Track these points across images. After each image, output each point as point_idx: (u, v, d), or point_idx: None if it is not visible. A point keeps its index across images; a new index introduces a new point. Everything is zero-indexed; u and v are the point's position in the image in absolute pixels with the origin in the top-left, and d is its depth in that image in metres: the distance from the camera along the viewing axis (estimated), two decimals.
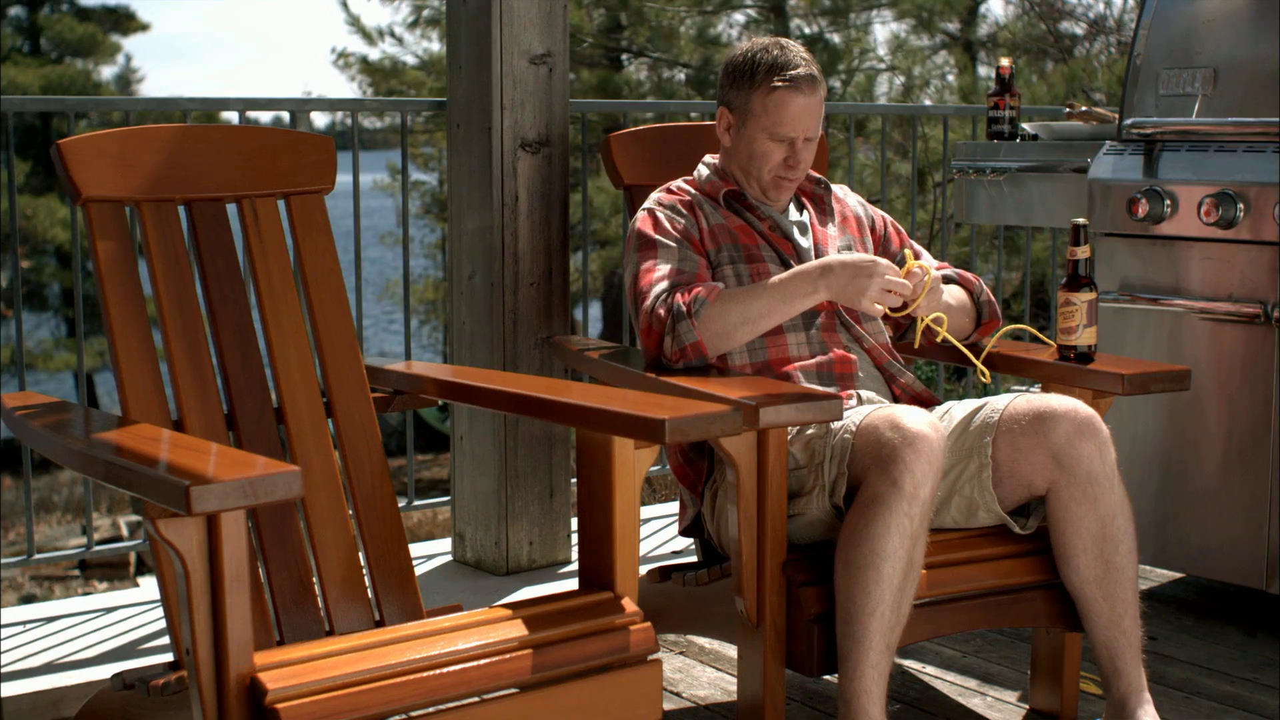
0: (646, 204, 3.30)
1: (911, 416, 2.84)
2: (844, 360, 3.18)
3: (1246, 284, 3.76)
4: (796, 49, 3.23)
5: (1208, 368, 3.84)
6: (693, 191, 3.31)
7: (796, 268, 3.11)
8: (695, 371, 3.08)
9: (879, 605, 2.78)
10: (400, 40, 16.11)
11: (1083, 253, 3.14)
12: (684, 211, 3.25)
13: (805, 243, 3.30)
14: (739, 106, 3.25)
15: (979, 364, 3.25)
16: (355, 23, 15.94)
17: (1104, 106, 4.62)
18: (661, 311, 3.08)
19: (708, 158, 3.39)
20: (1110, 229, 4.00)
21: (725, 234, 3.24)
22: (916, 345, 3.32)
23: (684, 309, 3.06)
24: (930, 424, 2.83)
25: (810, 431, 3.00)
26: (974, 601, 3.01)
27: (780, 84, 3.18)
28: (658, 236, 3.21)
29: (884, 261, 3.04)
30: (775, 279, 3.11)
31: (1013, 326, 3.41)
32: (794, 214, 3.35)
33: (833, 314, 3.23)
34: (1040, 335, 3.37)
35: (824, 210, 3.39)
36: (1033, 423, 2.97)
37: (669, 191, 3.32)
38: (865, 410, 2.95)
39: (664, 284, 3.13)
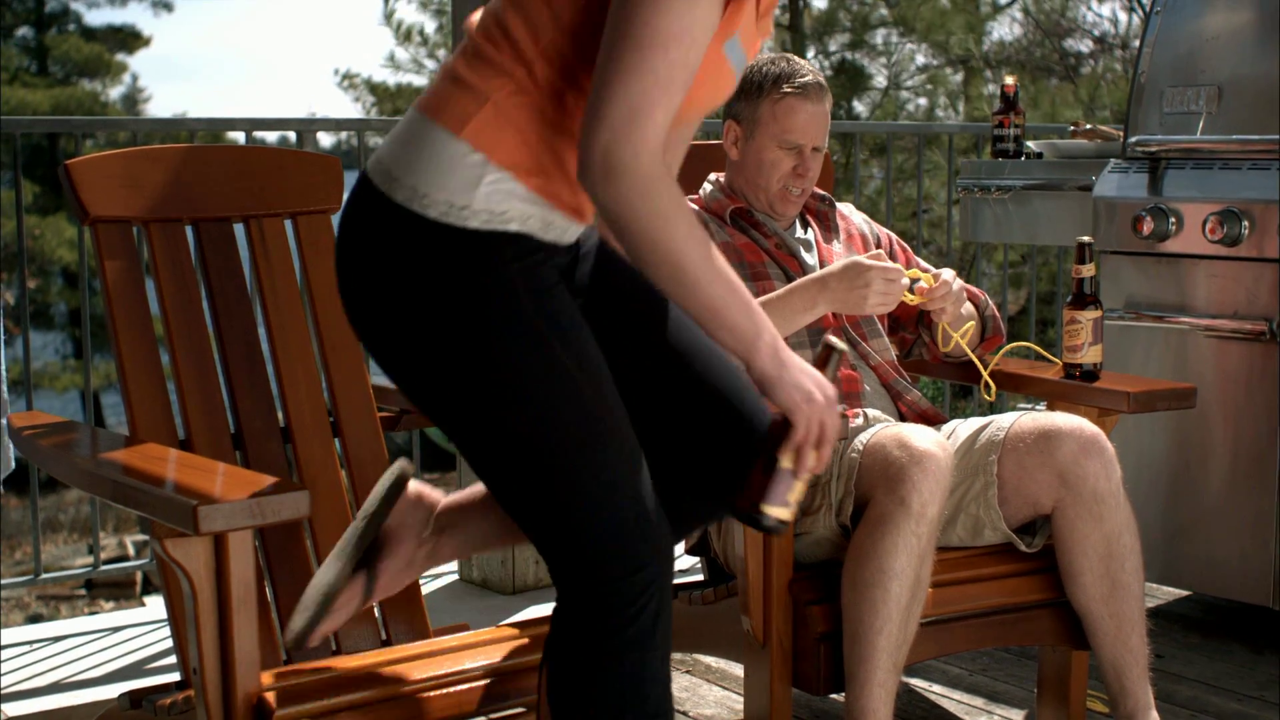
0: None
1: (919, 435, 2.84)
2: (850, 379, 3.18)
3: (1251, 301, 3.77)
4: (801, 61, 3.25)
5: (1213, 385, 3.85)
6: (698, 210, 3.31)
7: (793, 283, 3.11)
8: None
9: (886, 624, 2.79)
10: (425, 40, 16.13)
11: (1088, 271, 3.14)
12: None
13: (811, 260, 3.30)
14: (747, 118, 3.25)
15: (986, 376, 3.25)
16: (389, 18, 15.97)
17: (1109, 125, 4.63)
18: None
19: (713, 176, 3.40)
20: (1115, 247, 4.00)
21: (732, 252, 3.24)
22: (944, 350, 3.30)
23: None
24: (938, 443, 2.83)
25: None
26: (980, 620, 3.01)
27: (790, 90, 3.19)
28: None
29: (866, 260, 3.04)
30: (774, 294, 3.10)
31: (1017, 344, 3.40)
32: (799, 231, 3.35)
33: (839, 331, 3.23)
34: (1045, 353, 3.38)
35: (829, 227, 3.39)
36: (1038, 441, 2.97)
37: None
38: (872, 429, 2.95)
39: None
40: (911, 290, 3.10)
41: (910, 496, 2.77)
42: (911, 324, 3.38)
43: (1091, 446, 2.96)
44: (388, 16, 15.94)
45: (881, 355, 3.27)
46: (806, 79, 3.20)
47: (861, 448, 2.90)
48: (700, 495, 2.35)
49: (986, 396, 3.27)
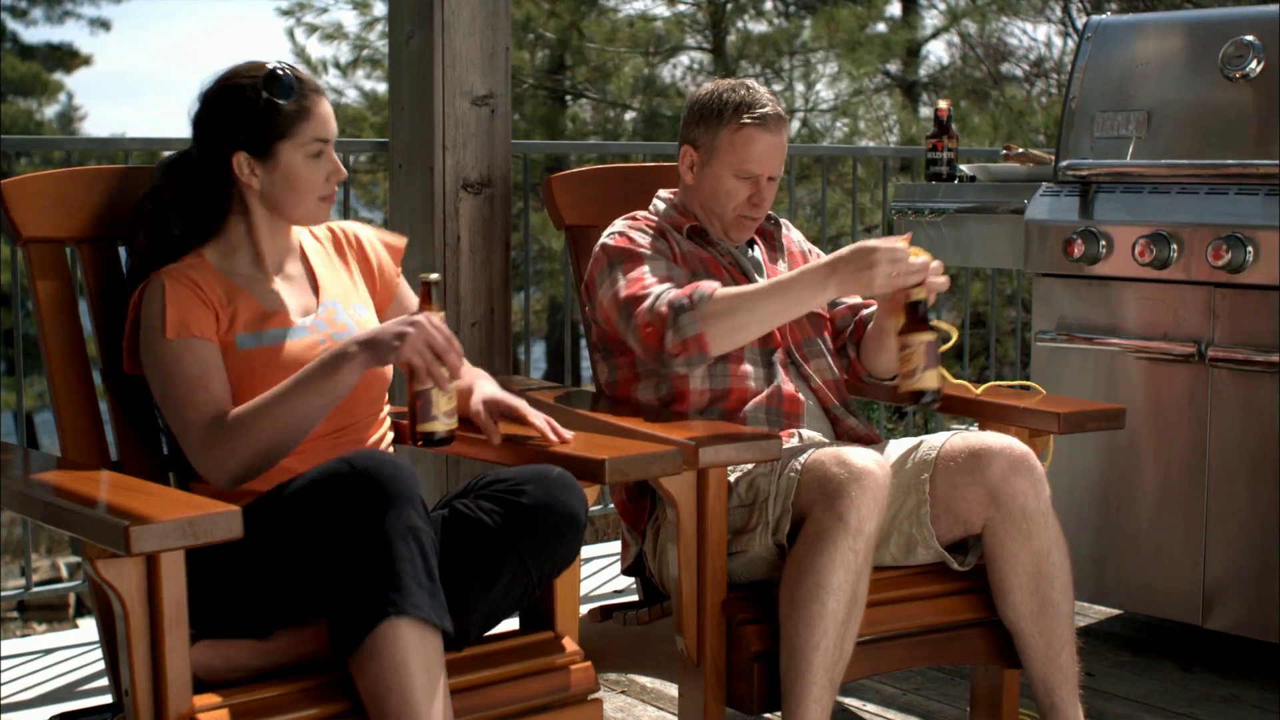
0: (616, 228, 3.27)
1: (858, 454, 2.86)
2: (793, 399, 3.19)
3: (1180, 323, 3.81)
4: (762, 90, 3.24)
5: (1143, 406, 3.89)
6: (657, 220, 3.30)
7: (803, 267, 3.07)
8: (636, 411, 3.09)
9: (823, 639, 2.80)
10: (343, 72, 16.12)
11: (918, 293, 2.97)
12: (655, 234, 3.24)
13: (760, 280, 3.30)
14: (704, 144, 3.25)
15: (973, 390, 3.25)
16: (301, 54, 15.94)
17: (1041, 148, 4.67)
18: (663, 308, 3.04)
19: (663, 193, 3.39)
20: (1047, 269, 4.04)
21: (697, 261, 3.24)
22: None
23: (685, 302, 3.03)
24: (876, 461, 2.85)
25: (755, 469, 3.01)
26: (913, 639, 3.03)
27: (749, 121, 3.19)
28: (640, 250, 3.19)
29: (874, 242, 2.97)
30: (780, 278, 3.05)
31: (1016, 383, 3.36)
32: (746, 251, 3.36)
33: (787, 350, 3.25)
34: (1035, 385, 3.38)
35: (774, 247, 3.40)
36: (968, 460, 3.00)
37: (634, 219, 3.31)
38: (811, 448, 2.96)
39: (661, 285, 3.10)
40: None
41: (848, 512, 2.79)
42: (843, 337, 3.37)
43: (1020, 465, 2.99)
44: (298, 54, 15.91)
45: (822, 376, 3.28)
46: (766, 109, 3.20)
47: (800, 466, 2.91)
48: None
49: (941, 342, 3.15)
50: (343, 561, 2.37)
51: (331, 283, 2.90)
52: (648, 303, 3.09)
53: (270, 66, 2.77)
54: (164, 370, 2.64)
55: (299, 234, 2.91)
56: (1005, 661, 3.11)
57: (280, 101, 2.74)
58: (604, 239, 3.27)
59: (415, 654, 2.34)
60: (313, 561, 2.41)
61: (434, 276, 2.62)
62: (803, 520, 2.89)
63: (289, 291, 2.83)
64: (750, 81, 3.27)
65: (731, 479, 3.01)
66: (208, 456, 2.59)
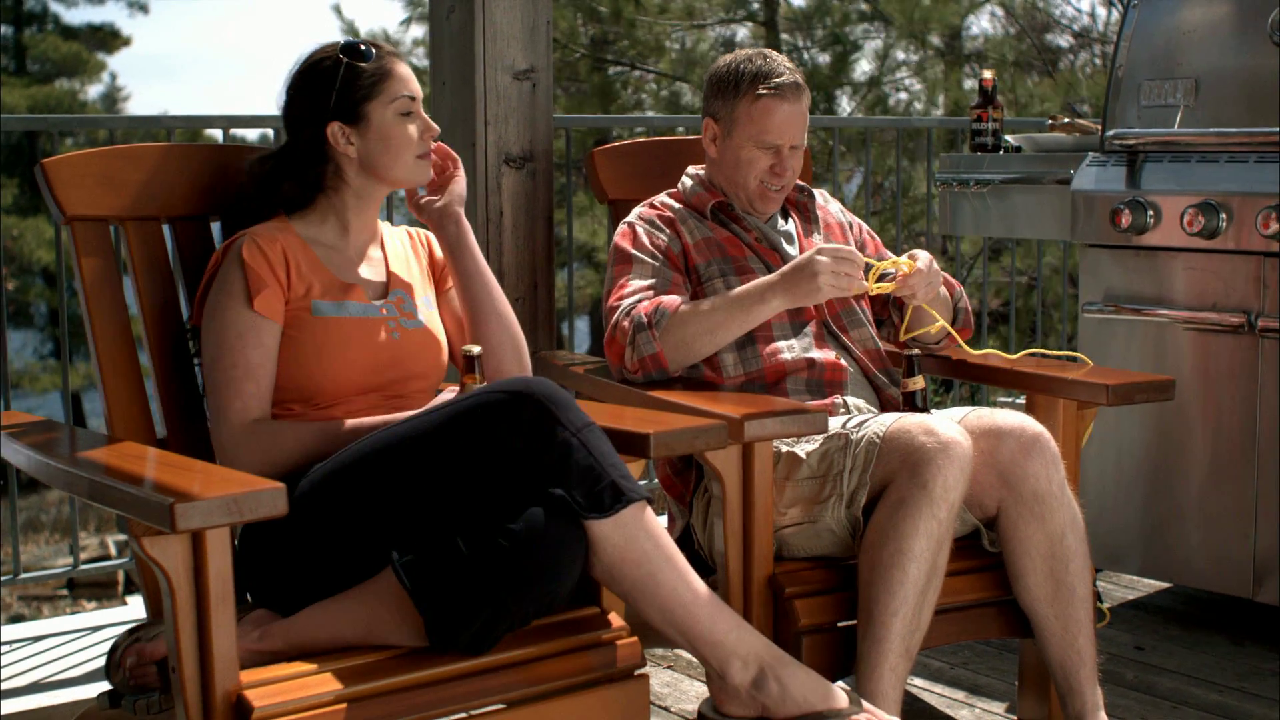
0: (628, 218, 3.30)
1: (944, 424, 2.85)
2: (835, 367, 3.18)
3: (1230, 294, 3.77)
4: (780, 58, 3.25)
5: (1192, 378, 3.85)
6: (676, 206, 3.31)
7: (747, 284, 3.11)
8: (682, 385, 3.08)
9: (902, 606, 2.79)
10: (395, 45, 16.13)
11: (914, 384, 3.14)
12: (664, 227, 3.25)
13: (793, 252, 3.30)
14: (724, 116, 3.25)
15: (961, 342, 3.23)
16: (350, 30, 15.95)
17: (1087, 118, 4.63)
18: (626, 324, 3.08)
19: (691, 169, 3.40)
20: (1094, 240, 4.01)
21: (714, 247, 3.24)
22: (905, 335, 3.28)
23: (644, 320, 3.07)
24: (962, 432, 2.84)
25: (828, 441, 2.99)
26: (960, 614, 3.01)
27: (765, 92, 3.19)
28: (635, 251, 3.21)
29: (813, 253, 3.02)
30: (734, 291, 3.11)
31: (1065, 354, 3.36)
32: (780, 223, 3.35)
33: (821, 324, 3.23)
34: (1082, 357, 3.35)
35: (809, 219, 3.39)
36: (980, 440, 2.94)
37: (651, 206, 3.32)
38: (889, 418, 2.94)
39: (633, 299, 3.13)
40: (882, 279, 3.09)
41: (933, 481, 2.78)
42: (883, 306, 3.38)
43: (1033, 446, 2.94)
44: (346, 30, 15.93)
45: (864, 346, 3.27)
46: (783, 79, 3.20)
47: (882, 434, 2.89)
48: None
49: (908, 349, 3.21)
50: (543, 466, 2.47)
51: (403, 273, 2.95)
52: (614, 317, 3.12)
53: (345, 39, 2.86)
54: (225, 338, 2.69)
55: (382, 228, 2.98)
56: None
57: (361, 65, 2.81)
58: (620, 227, 3.31)
59: (662, 531, 2.57)
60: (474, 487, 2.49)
61: (476, 349, 2.69)
62: (880, 492, 2.87)
63: (366, 271, 2.88)
64: (768, 50, 3.28)
65: (802, 451, 3.00)
66: (235, 453, 2.66)
